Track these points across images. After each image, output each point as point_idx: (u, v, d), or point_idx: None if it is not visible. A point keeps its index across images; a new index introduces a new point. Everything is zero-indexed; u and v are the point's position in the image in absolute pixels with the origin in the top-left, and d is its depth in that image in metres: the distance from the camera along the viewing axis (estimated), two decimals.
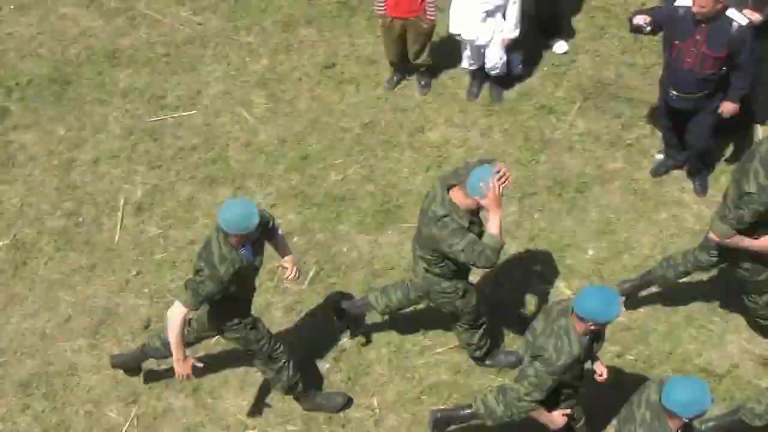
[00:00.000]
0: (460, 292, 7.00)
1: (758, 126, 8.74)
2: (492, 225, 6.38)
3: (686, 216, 8.30)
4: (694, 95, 7.78)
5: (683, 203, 8.36)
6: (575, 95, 9.14)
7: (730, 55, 7.55)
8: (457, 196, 6.49)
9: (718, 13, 7.45)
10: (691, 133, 8.09)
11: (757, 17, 7.89)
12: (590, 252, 8.15)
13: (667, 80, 7.90)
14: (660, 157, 8.61)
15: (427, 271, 6.90)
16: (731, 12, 7.53)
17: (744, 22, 7.53)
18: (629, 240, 8.19)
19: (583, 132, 8.89)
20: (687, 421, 5.60)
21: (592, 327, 5.98)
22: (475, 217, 6.59)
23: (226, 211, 6.29)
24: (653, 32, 7.77)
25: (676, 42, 7.62)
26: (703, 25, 7.48)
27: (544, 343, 6.11)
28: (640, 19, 7.72)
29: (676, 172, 8.54)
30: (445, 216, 6.45)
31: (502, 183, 6.29)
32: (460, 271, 6.91)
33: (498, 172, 6.29)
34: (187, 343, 6.84)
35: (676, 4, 7.67)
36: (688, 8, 7.51)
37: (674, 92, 7.83)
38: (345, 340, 7.80)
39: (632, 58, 9.34)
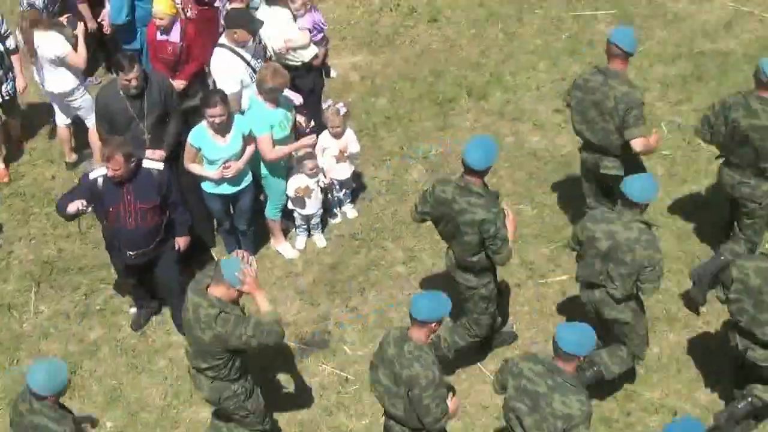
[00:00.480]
0: (248, 392, 7.14)
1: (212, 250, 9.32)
2: (262, 303, 6.86)
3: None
4: (149, 248, 8.05)
5: (175, 345, 8.59)
6: (27, 284, 9.14)
7: (164, 198, 7.95)
8: (218, 292, 6.75)
9: (135, 169, 7.81)
10: (158, 277, 8.35)
11: (160, 153, 8.46)
12: (109, 424, 8.19)
13: (117, 244, 8.08)
14: (134, 310, 8.82)
15: (214, 380, 6.96)
16: (146, 162, 7.97)
17: (160, 166, 8.02)
18: (141, 398, 8.32)
19: (51, 315, 8.91)
20: (582, 359, 6.35)
21: (435, 327, 6.45)
22: None
23: (40, 375, 6.39)
24: (91, 208, 7.95)
25: (111, 209, 7.85)
26: (126, 184, 7.80)
27: (411, 373, 6.39)
28: (75, 205, 7.88)
29: (156, 318, 8.81)
30: (221, 312, 6.68)
31: (252, 266, 6.82)
32: (243, 368, 7.05)
33: (243, 258, 6.82)
34: None
35: (90, 176, 7.91)
36: (104, 175, 7.79)
37: (130, 253, 8.07)
38: None
39: (66, 230, 9.48)
